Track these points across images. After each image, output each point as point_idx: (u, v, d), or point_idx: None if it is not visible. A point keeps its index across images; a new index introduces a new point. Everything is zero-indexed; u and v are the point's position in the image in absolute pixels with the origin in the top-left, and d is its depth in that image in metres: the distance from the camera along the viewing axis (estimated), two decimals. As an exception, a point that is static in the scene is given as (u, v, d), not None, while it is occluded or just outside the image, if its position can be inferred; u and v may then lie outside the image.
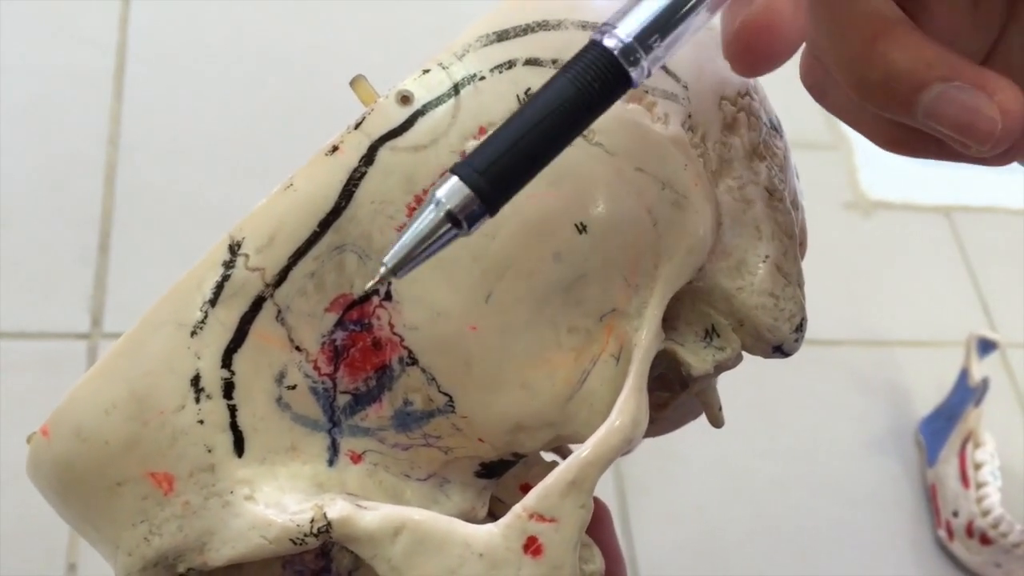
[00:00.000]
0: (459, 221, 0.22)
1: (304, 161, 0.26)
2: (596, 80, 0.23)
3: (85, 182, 0.87)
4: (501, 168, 0.22)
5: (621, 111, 0.28)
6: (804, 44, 0.27)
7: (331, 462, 0.28)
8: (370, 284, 0.24)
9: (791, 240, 0.31)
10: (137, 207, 0.86)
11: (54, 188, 0.86)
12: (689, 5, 0.23)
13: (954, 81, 0.24)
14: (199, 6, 0.99)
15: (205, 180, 0.88)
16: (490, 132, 0.26)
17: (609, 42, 0.23)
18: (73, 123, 0.90)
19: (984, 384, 0.83)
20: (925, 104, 0.25)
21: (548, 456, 0.32)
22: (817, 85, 0.28)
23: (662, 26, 0.23)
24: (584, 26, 0.28)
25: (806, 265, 0.32)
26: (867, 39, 0.25)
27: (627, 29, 0.23)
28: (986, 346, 0.85)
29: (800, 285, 0.31)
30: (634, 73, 0.23)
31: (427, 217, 0.22)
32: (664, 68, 0.29)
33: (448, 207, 0.22)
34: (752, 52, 0.23)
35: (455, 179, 0.22)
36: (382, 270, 0.22)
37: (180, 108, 0.92)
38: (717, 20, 0.32)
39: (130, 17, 0.96)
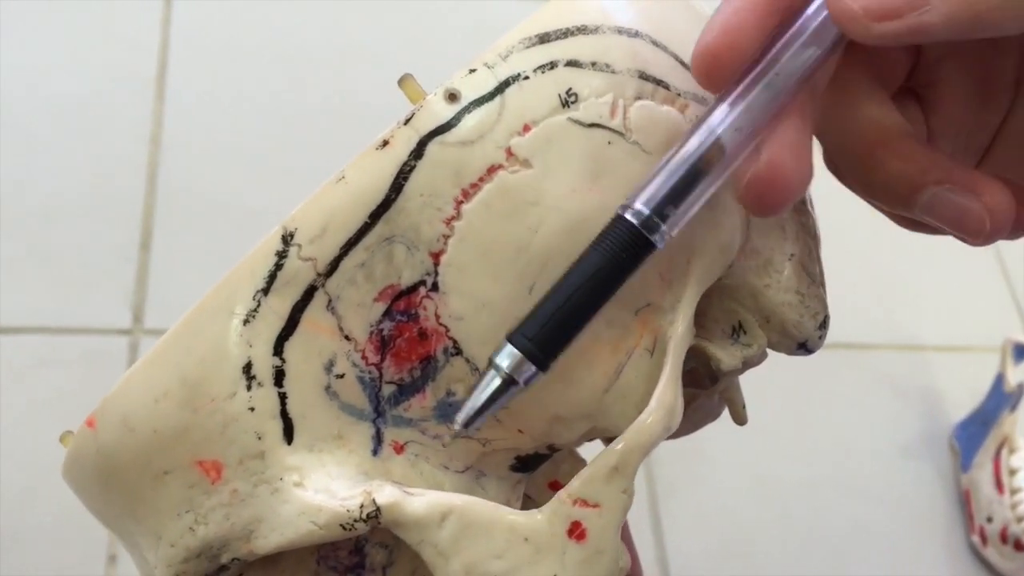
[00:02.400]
0: (516, 381, 0.26)
1: (344, 160, 0.27)
2: (623, 250, 0.26)
3: (128, 181, 0.88)
4: (546, 334, 0.26)
5: (656, 112, 0.28)
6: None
7: (375, 451, 0.28)
8: (448, 437, 0.28)
9: (814, 240, 0.32)
10: (178, 206, 0.87)
11: (97, 187, 0.88)
12: (698, 176, 0.26)
13: (946, 184, 0.27)
14: (240, 8, 1.00)
15: (245, 179, 0.89)
16: (535, 129, 0.27)
17: (630, 216, 0.26)
18: (116, 123, 0.91)
19: (1020, 389, 0.83)
20: (922, 203, 0.27)
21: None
22: (836, 171, 0.30)
23: (676, 196, 0.26)
24: (620, 31, 0.29)
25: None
26: (867, 147, 0.28)
27: (645, 202, 0.26)
28: (1022, 351, 0.85)
29: (822, 284, 0.32)
30: (655, 239, 0.26)
31: (490, 382, 0.26)
32: None
33: (506, 371, 0.26)
34: (762, 202, 0.26)
35: (509, 347, 0.26)
36: (456, 427, 0.27)
37: (221, 109, 0.94)
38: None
39: (172, 19, 0.98)
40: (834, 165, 0.30)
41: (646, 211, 0.26)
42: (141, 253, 0.85)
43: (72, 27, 0.96)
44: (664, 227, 0.26)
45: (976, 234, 0.27)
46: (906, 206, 0.28)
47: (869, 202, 0.30)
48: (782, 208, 0.26)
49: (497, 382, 0.26)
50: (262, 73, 0.97)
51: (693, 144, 0.26)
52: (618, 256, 0.26)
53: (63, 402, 0.76)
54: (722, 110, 0.26)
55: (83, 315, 0.81)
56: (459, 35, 1.00)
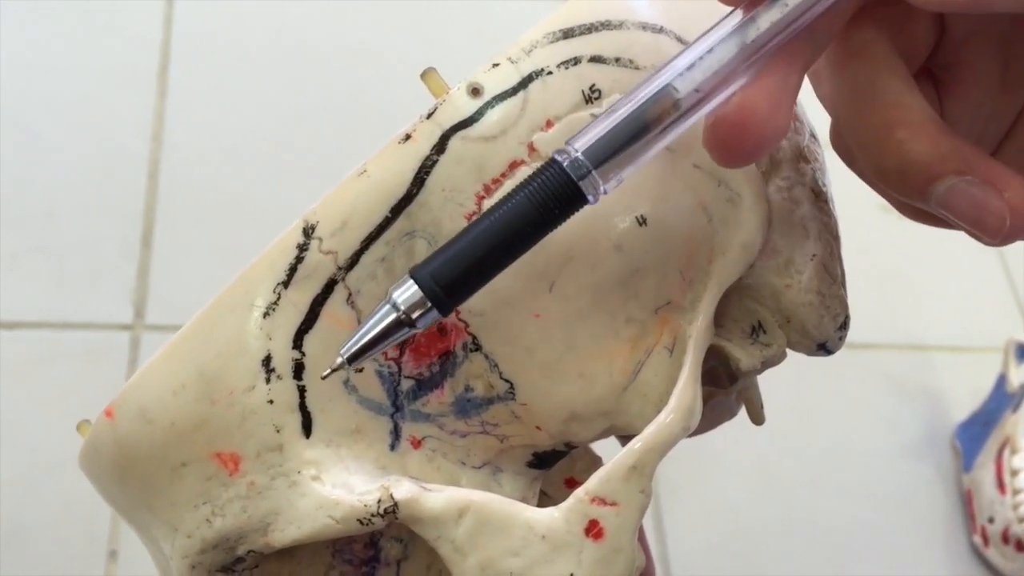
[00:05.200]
0: (412, 323, 0.24)
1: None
2: (552, 199, 0.24)
3: (129, 177, 0.88)
4: (455, 277, 0.24)
5: None
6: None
7: (393, 446, 0.28)
8: (326, 372, 0.26)
9: (836, 241, 0.32)
10: (180, 202, 0.87)
11: (99, 183, 0.87)
12: (646, 128, 0.24)
13: (967, 175, 0.25)
14: (242, 4, 1.00)
15: (246, 176, 0.89)
16: (557, 125, 0.27)
17: (566, 161, 0.24)
18: (118, 119, 0.91)
19: (1022, 390, 0.83)
20: (938, 194, 0.25)
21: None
22: (845, 153, 0.28)
23: (620, 146, 0.24)
24: (644, 27, 0.29)
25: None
26: (885, 127, 0.25)
27: (584, 148, 0.24)
28: (1024, 352, 0.85)
29: (843, 284, 0.32)
30: (589, 195, 0.24)
31: (383, 317, 0.24)
32: None
33: (403, 310, 0.24)
34: (726, 147, 0.24)
35: (412, 283, 0.24)
36: (338, 360, 0.25)
37: (223, 105, 0.94)
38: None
39: (174, 15, 0.98)
40: (843, 145, 0.28)
41: (581, 158, 0.24)
42: (143, 249, 0.84)
43: (74, 23, 0.96)
44: (602, 182, 0.24)
45: (994, 233, 0.25)
46: (920, 196, 0.25)
47: (878, 189, 0.28)
48: (747, 158, 0.24)
49: (391, 319, 0.24)
50: (263, 70, 0.96)
51: (645, 92, 0.24)
52: (546, 206, 0.24)
53: (64, 397, 0.76)
54: (687, 57, 0.24)
55: (84, 310, 0.81)
56: (462, 30, 1.00)
